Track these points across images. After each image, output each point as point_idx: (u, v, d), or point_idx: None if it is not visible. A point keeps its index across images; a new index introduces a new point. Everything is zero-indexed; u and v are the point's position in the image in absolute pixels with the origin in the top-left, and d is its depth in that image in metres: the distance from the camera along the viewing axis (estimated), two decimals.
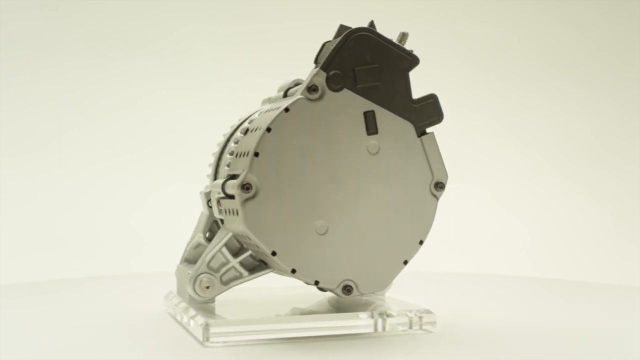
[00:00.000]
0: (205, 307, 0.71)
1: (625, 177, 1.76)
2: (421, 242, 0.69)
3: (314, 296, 0.79)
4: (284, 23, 1.68)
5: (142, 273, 1.19)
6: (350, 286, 0.67)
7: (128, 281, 1.10)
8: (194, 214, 0.84)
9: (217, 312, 0.70)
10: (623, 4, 1.81)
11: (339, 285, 0.67)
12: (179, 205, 1.45)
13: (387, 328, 0.69)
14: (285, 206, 0.65)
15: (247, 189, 0.64)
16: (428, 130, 0.69)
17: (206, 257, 0.70)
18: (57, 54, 1.63)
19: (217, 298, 0.72)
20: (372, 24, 0.70)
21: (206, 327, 0.65)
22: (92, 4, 1.66)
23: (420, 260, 0.89)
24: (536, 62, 1.80)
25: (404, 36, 0.70)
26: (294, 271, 0.66)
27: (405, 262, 0.69)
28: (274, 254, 0.65)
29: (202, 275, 0.70)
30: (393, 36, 0.70)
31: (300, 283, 0.70)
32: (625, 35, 1.80)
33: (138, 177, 1.60)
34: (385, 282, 0.69)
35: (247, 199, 0.64)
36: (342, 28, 0.70)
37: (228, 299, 0.74)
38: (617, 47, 1.80)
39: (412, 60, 0.69)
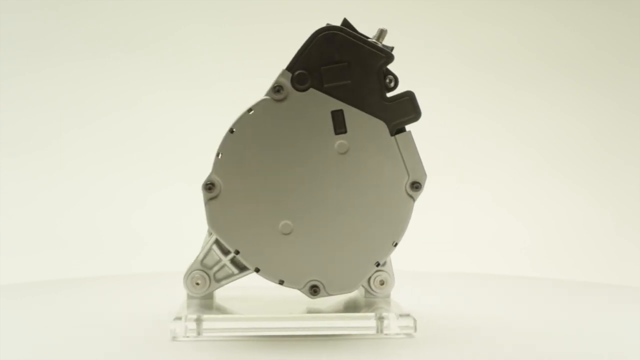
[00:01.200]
0: (215, 304, 0.72)
1: (625, 177, 1.76)
2: (395, 244, 0.67)
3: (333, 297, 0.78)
4: (284, 23, 1.68)
5: (142, 273, 1.19)
6: (317, 286, 0.67)
7: (128, 281, 1.10)
8: (194, 214, 0.84)
9: (225, 308, 0.71)
10: (623, 4, 1.81)
11: (305, 285, 0.67)
12: (179, 205, 1.45)
13: (385, 330, 0.68)
14: (249, 206, 0.66)
15: (209, 188, 0.66)
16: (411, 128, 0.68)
17: (200, 254, 0.72)
18: (57, 54, 1.63)
19: (235, 295, 0.73)
20: (345, 21, 0.69)
21: (198, 321, 0.66)
22: (92, 4, 1.66)
23: (420, 260, 0.89)
24: (536, 62, 1.80)
25: (382, 33, 0.68)
26: (257, 270, 0.67)
27: (377, 264, 0.67)
28: (237, 252, 0.67)
29: (194, 272, 0.72)
30: (391, 36, 0.70)
31: None
32: (625, 35, 1.80)
33: (138, 177, 1.60)
34: (354, 283, 0.68)
35: (210, 199, 0.66)
36: (344, 22, 0.69)
37: (247, 296, 0.75)
38: (617, 47, 1.80)
39: (385, 57, 0.67)
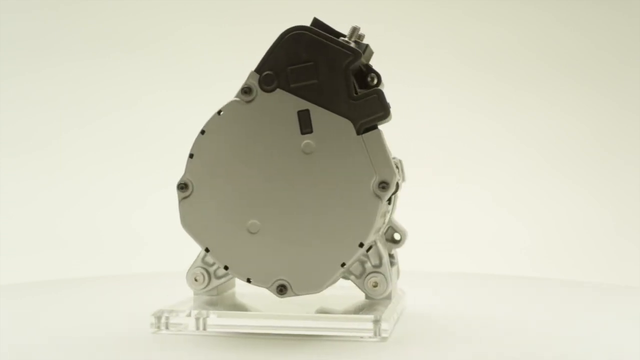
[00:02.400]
0: (224, 300, 0.74)
1: (625, 177, 1.76)
2: (361, 245, 0.65)
3: (352, 298, 0.77)
4: (284, 23, 1.68)
5: (142, 273, 1.19)
6: (284, 286, 0.67)
7: (128, 281, 1.10)
8: None
9: (234, 305, 0.73)
10: (623, 4, 1.81)
11: (272, 284, 0.67)
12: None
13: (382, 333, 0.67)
14: (218, 205, 0.67)
15: (182, 188, 0.69)
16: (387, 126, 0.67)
17: (201, 251, 0.73)
18: (57, 54, 1.63)
19: (255, 292, 0.73)
20: (314, 21, 0.68)
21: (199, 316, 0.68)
22: (92, 4, 1.66)
23: (420, 260, 0.89)
24: (536, 62, 1.80)
25: (354, 31, 0.68)
26: (226, 268, 0.68)
27: (343, 265, 0.66)
28: (207, 250, 0.68)
29: (195, 269, 0.73)
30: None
31: (351, 284, 0.72)
32: (625, 35, 1.80)
33: (138, 177, 1.60)
34: (320, 284, 0.66)
35: (183, 198, 0.69)
36: (315, 21, 0.69)
37: (265, 293, 0.75)
38: (617, 47, 1.80)
39: (352, 56, 0.66)
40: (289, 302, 0.70)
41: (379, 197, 0.65)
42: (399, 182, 0.77)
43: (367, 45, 0.68)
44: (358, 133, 0.65)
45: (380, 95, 0.66)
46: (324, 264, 0.66)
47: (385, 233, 0.78)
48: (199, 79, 1.66)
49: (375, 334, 0.66)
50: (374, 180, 0.65)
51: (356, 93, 0.66)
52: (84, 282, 1.08)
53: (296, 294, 0.67)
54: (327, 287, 0.67)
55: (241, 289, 0.77)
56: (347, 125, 0.65)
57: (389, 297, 0.73)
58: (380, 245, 0.72)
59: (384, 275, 0.72)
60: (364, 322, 0.66)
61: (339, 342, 0.66)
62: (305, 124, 0.66)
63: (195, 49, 1.68)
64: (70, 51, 1.63)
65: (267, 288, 0.67)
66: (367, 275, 0.72)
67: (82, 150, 1.61)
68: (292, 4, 1.67)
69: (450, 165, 1.72)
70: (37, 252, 1.48)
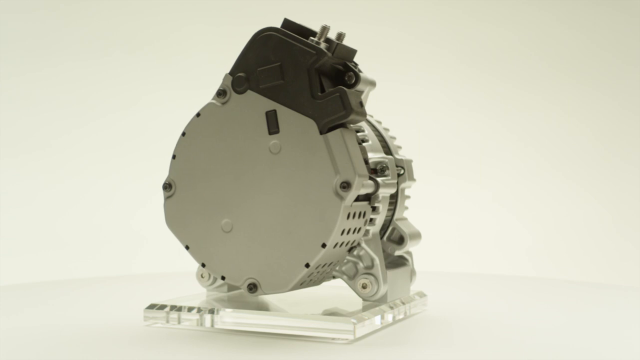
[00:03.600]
0: (236, 297, 0.75)
1: (625, 177, 1.76)
2: (324, 245, 0.64)
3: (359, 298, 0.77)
4: None
5: (142, 273, 1.19)
6: (254, 284, 0.67)
7: (128, 281, 1.10)
8: None
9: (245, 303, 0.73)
10: (623, 4, 1.82)
11: (243, 282, 0.67)
12: None
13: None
14: (197, 204, 0.69)
15: (166, 188, 0.71)
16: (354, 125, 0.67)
17: None
18: (57, 54, 1.63)
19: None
20: (285, 22, 0.69)
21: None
22: (92, 4, 1.66)
23: (420, 260, 0.89)
24: (536, 62, 1.80)
25: (323, 30, 0.67)
26: (203, 265, 0.69)
27: (307, 265, 0.65)
28: (187, 247, 0.70)
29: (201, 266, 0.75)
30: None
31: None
32: (626, 35, 1.80)
33: (138, 177, 1.60)
34: (286, 284, 0.66)
35: (167, 197, 0.70)
36: (286, 22, 0.69)
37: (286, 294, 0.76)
38: (617, 47, 1.80)
39: (316, 55, 0.65)
40: (299, 301, 0.71)
41: (341, 197, 0.64)
42: (402, 182, 0.76)
43: (337, 44, 0.68)
44: (321, 132, 0.65)
45: (343, 95, 0.65)
46: (290, 264, 0.66)
47: (391, 234, 0.77)
48: (199, 79, 1.66)
49: (341, 338, 0.66)
50: (336, 181, 0.64)
51: (323, 92, 0.66)
52: (84, 282, 1.08)
53: (265, 293, 0.67)
54: (295, 287, 0.67)
55: None
56: (311, 125, 0.65)
57: (384, 300, 0.72)
58: (371, 246, 0.71)
59: (375, 277, 0.71)
60: (336, 323, 0.66)
61: (311, 342, 0.66)
62: (272, 125, 0.66)
63: (195, 49, 1.69)
64: (70, 51, 1.64)
65: (240, 286, 0.68)
66: (359, 276, 0.71)
67: (82, 151, 1.61)
68: (292, 4, 1.67)
69: (450, 165, 1.72)
70: (37, 252, 1.48)
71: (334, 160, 0.64)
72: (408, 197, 0.79)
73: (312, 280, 0.69)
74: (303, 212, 0.65)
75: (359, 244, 0.71)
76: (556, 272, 1.60)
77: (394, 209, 0.77)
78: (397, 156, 0.77)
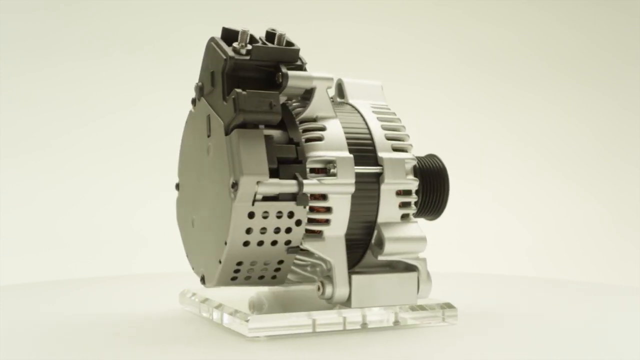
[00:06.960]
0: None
1: (625, 177, 1.76)
2: (225, 243, 0.66)
3: None
4: (283, 24, 1.68)
5: (142, 273, 1.19)
6: (203, 277, 0.71)
7: (128, 281, 1.10)
8: None
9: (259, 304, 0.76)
10: (623, 4, 1.82)
11: (200, 274, 0.72)
12: None
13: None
14: (185, 202, 0.76)
15: (177, 188, 0.78)
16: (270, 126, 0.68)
17: None
18: (57, 54, 1.63)
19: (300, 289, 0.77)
20: (223, 31, 0.71)
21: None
22: (92, 4, 1.66)
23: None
24: (536, 62, 1.80)
25: (242, 34, 0.69)
26: (187, 256, 0.75)
27: (220, 262, 0.67)
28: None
29: None
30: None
31: None
32: (626, 35, 1.80)
33: (138, 177, 1.60)
34: (212, 280, 0.69)
35: (178, 197, 0.78)
36: (224, 31, 0.72)
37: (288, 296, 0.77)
38: (617, 47, 1.80)
39: (224, 60, 0.68)
40: (306, 300, 0.74)
41: (231, 197, 0.65)
42: (382, 182, 0.71)
43: (253, 47, 0.69)
44: (226, 134, 0.67)
45: (238, 97, 0.66)
46: (214, 261, 0.69)
47: (377, 237, 0.72)
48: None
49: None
50: (230, 181, 0.65)
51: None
52: (84, 282, 1.08)
53: (208, 287, 0.71)
54: (224, 282, 0.69)
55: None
56: (221, 127, 0.68)
57: (348, 304, 0.70)
58: (325, 248, 0.68)
59: (331, 280, 0.69)
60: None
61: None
62: (208, 128, 0.70)
63: (195, 49, 1.68)
64: (70, 51, 1.64)
65: (200, 278, 0.72)
66: (318, 279, 0.71)
67: (82, 151, 1.61)
68: (292, 4, 1.67)
69: (450, 165, 1.72)
70: (37, 252, 1.48)
71: (230, 160, 0.66)
72: (411, 198, 0.74)
73: (251, 277, 0.69)
74: (219, 211, 0.68)
75: (300, 245, 0.68)
76: (556, 272, 1.60)
77: (377, 211, 0.72)
78: (382, 154, 0.72)
